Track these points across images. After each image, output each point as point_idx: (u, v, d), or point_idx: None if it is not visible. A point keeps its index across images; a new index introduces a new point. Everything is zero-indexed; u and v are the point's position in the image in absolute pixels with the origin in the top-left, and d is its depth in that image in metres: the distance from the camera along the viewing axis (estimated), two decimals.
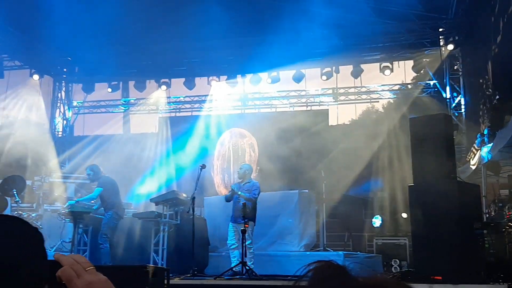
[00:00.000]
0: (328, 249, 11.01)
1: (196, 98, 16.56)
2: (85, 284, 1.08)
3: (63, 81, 16.80)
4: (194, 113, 16.35)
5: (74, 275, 1.08)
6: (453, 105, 13.70)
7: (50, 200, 12.09)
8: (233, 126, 15.09)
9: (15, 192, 9.83)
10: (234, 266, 8.58)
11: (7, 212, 10.33)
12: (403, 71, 14.89)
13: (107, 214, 9.48)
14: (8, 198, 10.12)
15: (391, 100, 17.38)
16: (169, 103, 16.60)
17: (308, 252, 10.38)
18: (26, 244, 1.03)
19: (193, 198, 8.91)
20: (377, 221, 12.77)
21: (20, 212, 10.15)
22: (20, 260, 1.00)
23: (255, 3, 12.74)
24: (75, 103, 17.25)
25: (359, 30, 13.16)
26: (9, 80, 15.62)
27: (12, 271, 0.97)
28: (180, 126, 15.34)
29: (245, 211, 8.52)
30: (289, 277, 7.19)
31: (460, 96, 13.71)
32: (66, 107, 16.86)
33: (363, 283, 0.98)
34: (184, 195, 9.75)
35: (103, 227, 9.37)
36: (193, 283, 7.48)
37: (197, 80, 15.53)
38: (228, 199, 9.34)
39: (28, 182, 11.42)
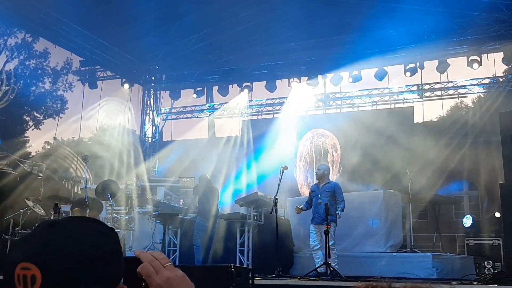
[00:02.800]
0: (416, 250, 10.69)
1: (277, 101, 16.73)
2: (163, 280, 1.13)
3: (152, 89, 17.51)
4: (276, 115, 16.50)
5: (152, 271, 1.14)
6: None
7: (142, 203, 12.65)
8: (315, 127, 15.06)
9: (109, 196, 10.30)
10: (318, 267, 8.57)
11: (103, 214, 10.95)
12: (493, 64, 14.16)
13: (198, 218, 10.04)
14: (103, 202, 10.64)
15: (482, 95, 16.61)
16: (251, 106, 16.88)
17: (394, 253, 10.12)
18: (102, 243, 1.07)
19: (276, 199, 8.99)
20: (468, 221, 12.21)
21: (114, 214, 10.68)
22: (97, 258, 1.04)
23: (335, 4, 12.67)
24: (163, 110, 17.96)
25: (445, 24, 12.69)
26: (102, 89, 16.62)
27: (89, 270, 1.02)
28: (262, 129, 15.52)
29: (328, 213, 8.49)
30: (375, 279, 7.08)
31: None
32: (155, 114, 17.53)
33: None
34: (268, 196, 9.87)
35: (195, 229, 9.91)
36: (278, 283, 7.55)
37: (278, 82, 15.64)
38: (308, 205, 9.36)
39: (121, 186, 11.95)
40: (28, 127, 29.40)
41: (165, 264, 1.16)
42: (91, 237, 1.06)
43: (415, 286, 0.93)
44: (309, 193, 9.61)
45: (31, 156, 25.21)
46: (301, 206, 9.38)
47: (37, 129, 29.59)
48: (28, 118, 29.20)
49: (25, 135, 29.25)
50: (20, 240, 1.07)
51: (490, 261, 10.38)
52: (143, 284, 1.16)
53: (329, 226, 8.33)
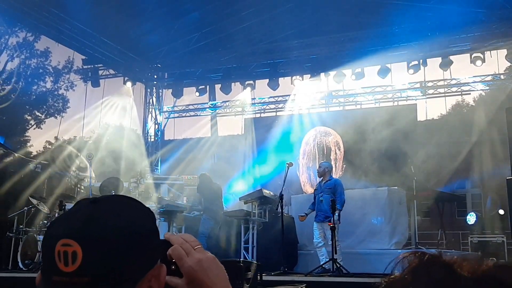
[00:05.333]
0: (420, 247, 10.68)
1: (280, 98, 16.70)
2: (194, 262, 1.12)
3: (154, 87, 17.46)
4: (279, 113, 16.49)
5: (183, 254, 1.13)
6: None
7: (145, 200, 12.64)
8: (317, 125, 15.03)
9: (113, 193, 10.31)
10: (324, 263, 8.56)
11: None
12: (496, 61, 14.14)
13: (203, 216, 10.19)
14: None
15: (483, 93, 16.60)
16: (254, 104, 16.85)
17: (399, 250, 10.09)
18: (143, 221, 1.07)
19: (281, 196, 8.98)
20: (472, 218, 12.20)
21: None
22: (138, 236, 1.04)
23: (337, 2, 12.66)
24: (165, 108, 17.92)
25: (448, 21, 12.67)
26: (104, 88, 16.60)
27: (131, 247, 1.02)
28: (265, 127, 15.49)
29: (334, 208, 8.46)
30: (381, 275, 7.02)
31: None
32: (157, 112, 17.48)
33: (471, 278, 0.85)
34: (272, 193, 9.86)
35: (201, 226, 10.05)
36: (286, 279, 7.54)
37: (281, 80, 15.63)
38: (313, 205, 9.33)
39: (125, 184, 11.94)
40: (30, 126, 29.38)
41: (196, 247, 1.15)
42: (132, 215, 1.06)
43: (463, 257, 0.91)
44: (313, 192, 9.59)
45: (32, 155, 25.18)
46: (304, 213, 9.32)
47: (38, 128, 29.60)
48: (29, 117, 29.19)
49: (26, 134, 29.24)
50: (60, 217, 1.06)
51: (494, 259, 10.35)
52: (173, 267, 1.15)
53: (330, 224, 8.30)
